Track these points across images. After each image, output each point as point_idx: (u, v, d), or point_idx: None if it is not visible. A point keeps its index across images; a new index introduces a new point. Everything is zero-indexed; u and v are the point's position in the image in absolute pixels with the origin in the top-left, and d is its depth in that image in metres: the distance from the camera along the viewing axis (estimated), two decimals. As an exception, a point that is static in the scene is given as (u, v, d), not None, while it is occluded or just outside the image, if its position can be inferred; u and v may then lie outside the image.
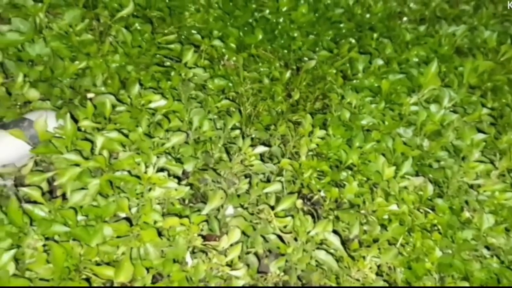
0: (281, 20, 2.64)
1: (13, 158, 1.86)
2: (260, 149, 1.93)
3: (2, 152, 1.82)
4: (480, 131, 2.18)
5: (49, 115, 1.93)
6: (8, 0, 2.05)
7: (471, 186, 2.11)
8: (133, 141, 1.76)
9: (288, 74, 2.43)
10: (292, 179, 2.05)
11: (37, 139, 1.87)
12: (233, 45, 2.51)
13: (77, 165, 1.70)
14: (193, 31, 2.52)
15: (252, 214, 1.84)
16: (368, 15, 2.76)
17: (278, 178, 1.99)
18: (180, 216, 1.69)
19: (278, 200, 1.92)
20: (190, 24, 2.55)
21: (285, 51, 2.58)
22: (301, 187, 2.06)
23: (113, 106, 1.94)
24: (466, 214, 2.03)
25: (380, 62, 2.45)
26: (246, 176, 1.93)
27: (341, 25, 2.67)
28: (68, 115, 1.79)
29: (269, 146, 2.12)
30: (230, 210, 1.89)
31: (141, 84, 2.06)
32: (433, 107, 2.21)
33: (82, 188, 1.70)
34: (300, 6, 2.62)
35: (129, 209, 1.64)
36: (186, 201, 1.94)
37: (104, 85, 2.10)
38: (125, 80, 2.14)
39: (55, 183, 1.83)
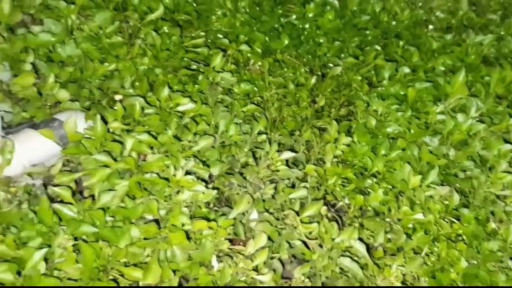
0: (307, 26, 2.65)
1: (42, 158, 1.88)
2: (287, 154, 1.93)
3: (32, 152, 1.84)
4: (507, 141, 2.17)
5: (78, 116, 1.95)
6: (41, 1, 2.08)
7: (498, 197, 2.09)
8: (162, 143, 1.78)
9: (313, 80, 2.43)
10: (317, 185, 2.05)
11: (66, 140, 1.89)
12: (259, 50, 2.52)
13: (107, 166, 1.71)
14: (220, 35, 2.53)
15: (277, 219, 1.85)
16: (394, 23, 2.75)
17: (302, 184, 1.99)
18: (207, 220, 1.70)
19: (302, 205, 1.92)
20: (217, 28, 2.56)
21: (311, 57, 2.58)
22: (325, 194, 2.06)
23: (142, 108, 1.96)
24: (492, 225, 2.01)
25: (406, 70, 2.44)
26: (271, 181, 1.94)
27: (367, 32, 2.66)
28: (99, 116, 1.81)
29: (294, 151, 2.12)
30: (254, 214, 1.89)
31: (169, 87, 2.07)
32: (460, 117, 2.20)
33: (110, 189, 1.72)
34: (327, 13, 2.62)
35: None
36: (211, 205, 1.95)
37: (132, 87, 2.12)
38: (153, 82, 2.16)
39: (84, 184, 1.86)
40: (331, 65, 2.56)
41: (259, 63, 2.49)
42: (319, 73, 2.55)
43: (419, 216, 1.93)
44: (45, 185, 1.87)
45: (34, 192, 1.84)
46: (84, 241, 1.56)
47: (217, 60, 2.18)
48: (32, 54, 1.98)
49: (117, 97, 2.14)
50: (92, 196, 1.76)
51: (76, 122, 1.88)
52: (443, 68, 2.54)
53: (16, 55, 1.95)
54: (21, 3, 2.06)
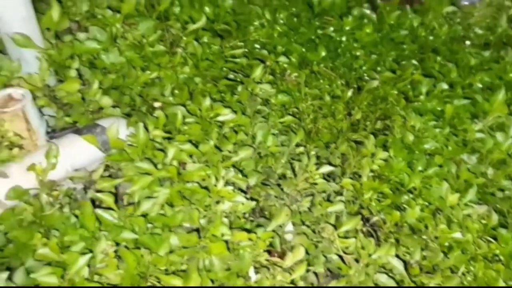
0: (344, 38, 2.65)
1: (84, 163, 1.92)
2: (326, 168, 1.94)
3: (75, 157, 1.88)
4: (547, 162, 2.14)
5: (120, 122, 1.99)
6: (87, 9, 2.13)
7: (537, 218, 2.06)
8: (203, 153, 1.80)
9: (349, 92, 2.43)
10: (352, 199, 2.05)
11: (108, 145, 1.93)
12: (295, 61, 2.54)
13: (148, 173, 1.74)
14: (257, 46, 2.56)
15: (314, 232, 1.85)
16: (431, 38, 2.74)
17: (338, 198, 1.99)
18: (246, 231, 1.71)
19: (337, 219, 1.92)
20: (254, 38, 2.58)
21: (347, 69, 2.59)
22: (360, 208, 2.06)
23: (183, 117, 1.98)
24: (530, 247, 1.98)
25: (444, 86, 2.42)
26: (308, 194, 1.94)
27: (404, 46, 2.66)
28: (141, 124, 1.84)
29: (330, 164, 2.12)
30: (289, 226, 1.90)
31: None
32: (499, 136, 2.17)
33: (150, 197, 1.75)
34: (365, 26, 2.62)
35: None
36: (246, 214, 1.96)
37: (172, 95, 2.15)
38: (192, 91, 2.19)
39: (123, 190, 1.89)
40: (367, 78, 2.55)
41: (296, 74, 2.50)
42: (355, 86, 2.54)
43: (457, 235, 1.91)
44: (85, 190, 1.91)
45: (75, 196, 1.88)
46: (125, 247, 1.59)
47: (258, 72, 2.20)
48: (78, 60, 2.02)
49: (156, 104, 2.17)
50: (129, 202, 1.80)
51: (118, 128, 1.91)
52: (481, 85, 2.52)
53: (62, 61, 1.99)
54: (68, 11, 2.10)
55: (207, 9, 2.50)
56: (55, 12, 1.92)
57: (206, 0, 2.57)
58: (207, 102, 1.96)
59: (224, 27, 2.55)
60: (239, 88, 2.18)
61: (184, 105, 2.01)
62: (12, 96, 1.79)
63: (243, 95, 2.11)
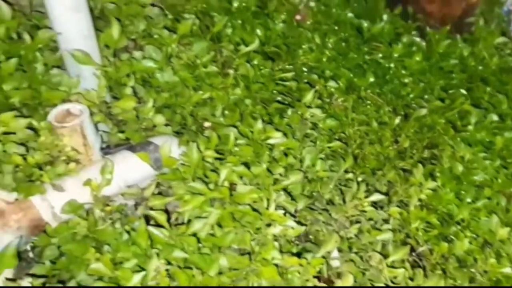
0: (392, 65, 2.65)
1: (137, 179, 1.95)
2: (376, 197, 1.92)
3: (128, 173, 1.92)
4: None
5: (172, 141, 2.02)
6: (144, 28, 2.18)
7: None
8: (255, 175, 1.81)
9: (396, 120, 2.42)
10: (399, 227, 2.03)
11: (160, 163, 1.96)
12: (342, 86, 2.54)
13: (200, 193, 1.76)
14: (306, 69, 2.58)
15: (361, 260, 1.83)
16: (481, 68, 2.71)
17: (385, 226, 1.98)
18: (294, 255, 1.71)
19: (383, 247, 1.91)
20: (303, 61, 2.60)
21: (394, 96, 2.58)
22: (406, 237, 2.04)
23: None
24: None
25: (494, 117, 2.39)
26: (356, 221, 1.93)
27: (453, 75, 2.64)
28: (195, 144, 1.87)
29: (378, 191, 2.11)
30: (335, 252, 1.89)
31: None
32: (552, 171, 2.13)
33: (200, 216, 1.76)
34: (414, 54, 2.61)
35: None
36: (292, 239, 1.96)
37: (223, 116, 2.18)
38: (243, 113, 2.21)
39: (173, 208, 1.91)
40: (415, 106, 2.54)
41: (342, 98, 2.51)
42: (402, 113, 2.53)
43: (507, 270, 1.88)
44: (136, 206, 1.94)
45: (125, 212, 1.91)
46: (179, 267, 1.60)
47: (309, 96, 2.21)
48: (133, 78, 2.07)
49: (206, 124, 2.20)
50: (178, 220, 1.82)
51: (171, 147, 1.94)
52: (532, 118, 2.48)
53: (118, 79, 2.04)
54: (125, 29, 2.16)
55: (258, 31, 2.53)
56: (115, 30, 1.97)
57: (258, 23, 2.61)
58: (259, 124, 1.97)
59: (274, 50, 2.58)
60: (289, 111, 2.19)
61: (235, 126, 2.02)
62: (71, 111, 1.84)
63: (294, 118, 2.12)
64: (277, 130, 2.01)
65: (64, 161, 1.75)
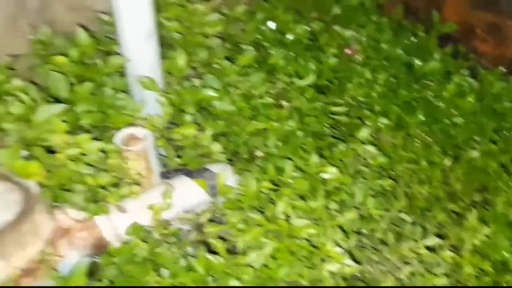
0: (443, 104, 2.65)
1: (193, 205, 1.98)
2: (433, 240, 1.92)
3: (185, 198, 1.95)
4: None
5: (228, 169, 2.06)
6: (206, 57, 2.24)
7: None
8: (313, 209, 1.83)
9: (446, 160, 2.41)
10: (451, 272, 2.01)
11: (215, 190, 1.99)
12: (392, 123, 2.55)
13: (258, 224, 1.78)
14: (355, 103, 2.60)
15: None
16: (535, 112, 2.69)
17: (438, 269, 1.96)
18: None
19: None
20: (353, 96, 2.63)
21: (444, 136, 2.57)
22: (457, 282, 2.01)
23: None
24: None
25: (550, 165, 2.37)
26: (408, 262, 1.93)
27: (507, 118, 2.62)
28: (252, 174, 1.90)
29: (425, 230, 2.10)
30: (386, 293, 1.88)
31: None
32: None
33: (255, 247, 1.78)
34: (467, 94, 2.61)
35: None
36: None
37: (276, 147, 2.21)
38: (295, 145, 2.24)
39: (230, 237, 1.94)
40: (465, 147, 2.53)
41: (391, 135, 2.52)
42: (452, 154, 2.52)
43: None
44: (191, 232, 1.97)
45: (181, 237, 1.94)
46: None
47: (364, 133, 2.23)
48: (193, 106, 2.12)
49: (258, 153, 2.23)
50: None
51: (227, 175, 1.98)
52: None
53: (179, 105, 2.10)
54: (188, 57, 2.22)
55: (311, 65, 2.58)
56: (181, 60, 2.04)
57: (310, 56, 2.66)
58: (314, 158, 1.99)
59: (326, 84, 2.61)
60: (341, 145, 2.21)
61: (289, 158, 2.05)
62: (135, 135, 1.89)
63: (346, 153, 2.14)
64: (332, 164, 2.02)
65: (128, 183, 1.80)
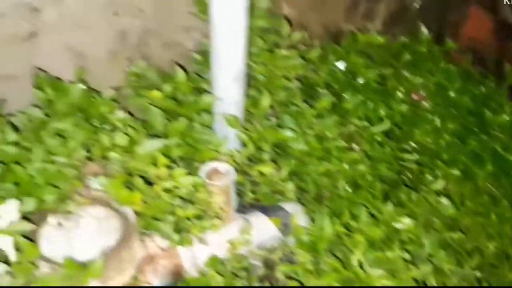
0: (512, 158, 2.65)
1: (265, 241, 2.05)
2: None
3: (259, 234, 2.02)
4: None
5: (299, 209, 2.12)
6: (285, 98, 2.33)
7: None
8: (389, 259, 1.86)
9: (516, 216, 2.40)
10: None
11: (288, 229, 2.05)
12: (459, 173, 2.56)
13: (333, 269, 1.83)
14: (421, 149, 2.63)
15: None
16: None
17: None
18: None
19: None
20: (420, 142, 2.66)
21: (514, 190, 2.57)
22: None
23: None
24: None
25: None
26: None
27: None
28: (327, 217, 1.96)
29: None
30: None
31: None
32: None
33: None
34: (539, 150, 2.61)
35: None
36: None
37: (345, 190, 2.26)
38: (365, 189, 2.28)
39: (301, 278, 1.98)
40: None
41: (459, 186, 2.52)
42: (522, 210, 2.51)
43: None
44: (263, 268, 2.03)
45: (254, 272, 2.00)
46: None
47: (439, 185, 2.25)
48: (271, 144, 2.20)
49: (326, 193, 2.29)
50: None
51: (299, 215, 2.05)
52: None
53: (258, 143, 2.19)
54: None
55: (381, 111, 2.63)
56: (265, 100, 2.13)
57: (380, 100, 2.72)
58: (389, 206, 2.03)
59: (395, 129, 2.66)
60: (413, 195, 2.24)
61: (364, 205, 2.10)
62: (217, 170, 1.98)
63: (420, 204, 2.17)
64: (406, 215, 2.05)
65: (210, 216, 1.88)
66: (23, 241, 1.51)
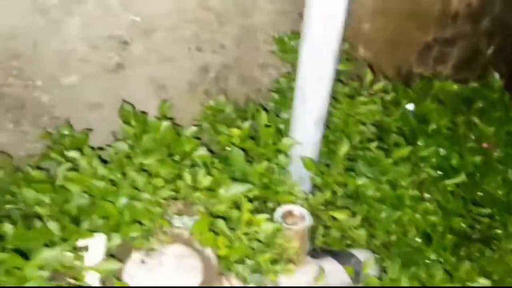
0: None
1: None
2: None
3: (330, 280, 2.00)
4: None
5: (370, 256, 2.10)
6: (360, 142, 2.32)
7: None
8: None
9: None
10: None
11: (358, 277, 2.03)
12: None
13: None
14: (492, 201, 2.56)
15: None
16: None
17: None
18: None
19: None
20: (490, 193, 2.59)
21: None
22: None
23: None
24: None
25: None
26: None
27: None
28: (395, 266, 1.93)
29: None
30: None
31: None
32: None
33: None
34: None
35: None
36: None
37: (414, 239, 2.22)
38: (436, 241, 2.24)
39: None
40: None
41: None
42: None
43: None
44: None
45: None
46: None
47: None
48: (343, 189, 2.19)
49: (394, 240, 2.26)
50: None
51: (371, 263, 2.02)
52: None
53: (330, 186, 2.18)
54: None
55: (454, 160, 2.58)
56: (344, 147, 2.12)
57: (451, 148, 2.67)
58: (466, 265, 1.99)
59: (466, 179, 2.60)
60: (487, 252, 2.18)
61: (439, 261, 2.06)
62: (292, 213, 1.99)
63: (495, 263, 2.11)
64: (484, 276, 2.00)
65: (284, 260, 1.88)
66: (112, 279, 1.54)
